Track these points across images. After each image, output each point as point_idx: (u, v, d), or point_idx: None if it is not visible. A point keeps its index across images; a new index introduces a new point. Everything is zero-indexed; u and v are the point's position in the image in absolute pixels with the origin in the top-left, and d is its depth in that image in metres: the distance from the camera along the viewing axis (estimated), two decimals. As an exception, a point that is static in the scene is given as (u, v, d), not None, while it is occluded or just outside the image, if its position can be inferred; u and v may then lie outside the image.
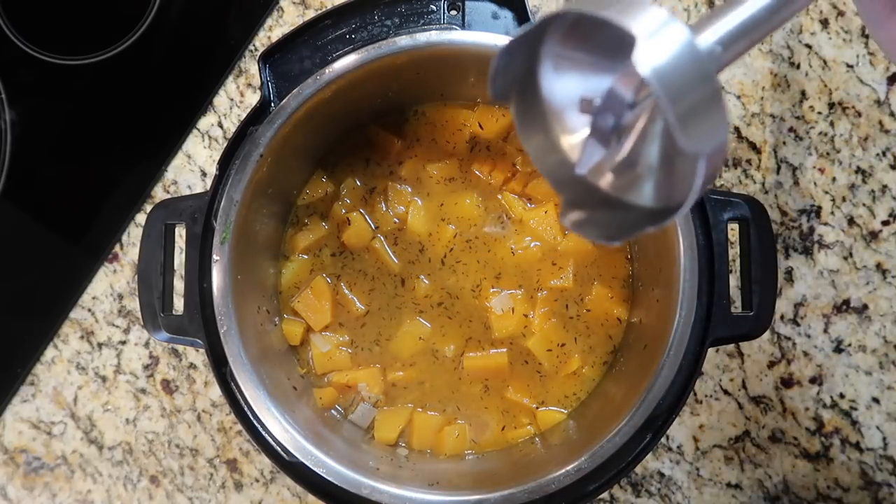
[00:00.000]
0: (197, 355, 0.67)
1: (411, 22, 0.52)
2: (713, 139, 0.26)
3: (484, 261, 0.59)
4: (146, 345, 0.67)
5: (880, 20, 0.33)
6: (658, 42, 0.25)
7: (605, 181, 0.33)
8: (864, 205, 0.65)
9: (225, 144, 0.54)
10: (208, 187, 0.53)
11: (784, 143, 0.66)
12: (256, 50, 0.69)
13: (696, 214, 0.50)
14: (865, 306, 0.64)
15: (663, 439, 0.60)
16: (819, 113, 0.66)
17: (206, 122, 0.69)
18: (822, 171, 0.65)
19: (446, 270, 0.59)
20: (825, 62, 0.66)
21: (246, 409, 0.51)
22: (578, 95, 0.30)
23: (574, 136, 0.33)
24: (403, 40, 0.52)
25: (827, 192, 0.65)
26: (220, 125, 0.69)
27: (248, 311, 0.53)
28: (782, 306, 0.65)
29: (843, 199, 0.65)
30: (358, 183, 0.60)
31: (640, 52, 0.25)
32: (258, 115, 0.52)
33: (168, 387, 0.67)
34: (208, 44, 0.70)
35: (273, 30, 0.69)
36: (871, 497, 0.64)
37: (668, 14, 0.26)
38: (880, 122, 0.65)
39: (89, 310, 0.68)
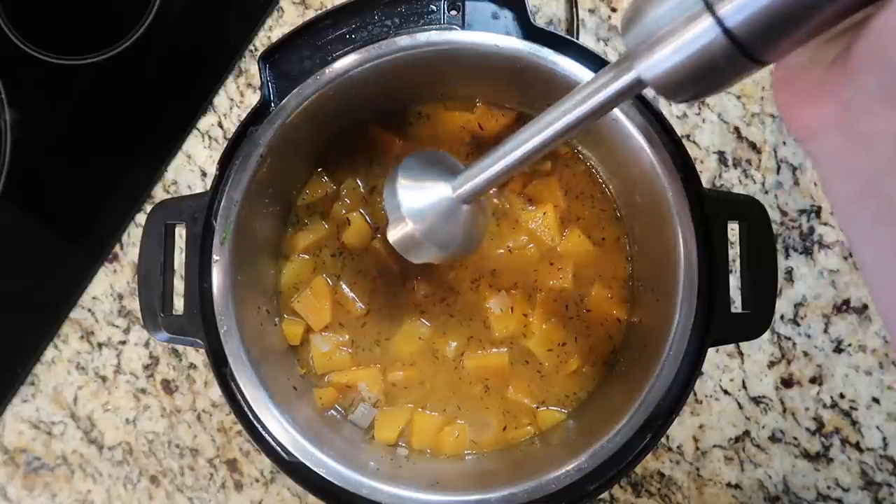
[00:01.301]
0: (197, 355, 0.67)
1: (411, 22, 0.52)
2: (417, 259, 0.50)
3: (484, 261, 0.59)
4: (146, 345, 0.67)
5: (790, 108, 0.32)
6: (392, 226, 0.47)
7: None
8: (864, 205, 0.65)
9: (225, 144, 0.54)
10: (208, 187, 0.53)
11: (784, 143, 0.66)
12: (256, 50, 0.69)
13: (695, 214, 0.50)
14: (865, 306, 0.64)
15: (663, 439, 0.60)
16: (819, 113, 0.66)
17: (206, 122, 0.69)
18: (822, 171, 0.65)
19: (445, 269, 0.59)
20: (825, 62, 0.66)
21: (246, 409, 0.51)
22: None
23: None
24: (403, 40, 0.52)
25: (827, 192, 0.65)
26: (220, 125, 0.69)
27: (248, 311, 0.53)
28: (782, 306, 0.65)
29: (843, 199, 0.65)
30: (358, 183, 0.60)
31: (393, 233, 0.48)
32: (258, 115, 0.52)
33: (168, 387, 0.67)
34: (208, 44, 0.70)
35: (273, 30, 0.69)
36: (871, 497, 0.64)
37: (398, 207, 0.47)
38: (880, 122, 0.65)
39: (89, 310, 0.68)
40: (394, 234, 0.48)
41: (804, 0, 0.26)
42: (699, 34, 0.29)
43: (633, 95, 0.35)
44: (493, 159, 0.44)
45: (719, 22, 0.28)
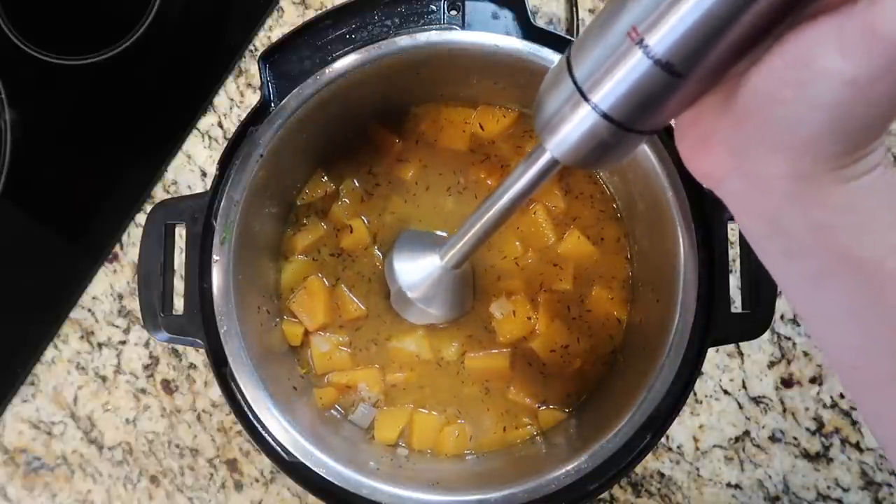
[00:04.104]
0: (197, 355, 0.67)
1: (411, 22, 0.52)
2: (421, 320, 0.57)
3: (484, 261, 0.59)
4: (146, 345, 0.67)
5: (690, 159, 0.34)
6: (393, 295, 0.56)
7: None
8: (864, 205, 0.65)
9: (225, 144, 0.54)
10: (208, 187, 0.53)
11: (784, 143, 0.66)
12: (256, 50, 0.69)
13: (696, 214, 0.50)
14: (865, 306, 0.64)
15: (663, 439, 0.60)
16: (819, 113, 0.66)
17: (206, 122, 0.69)
18: (822, 171, 0.65)
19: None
20: (825, 62, 0.66)
21: (246, 409, 0.51)
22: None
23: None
24: (403, 40, 0.52)
25: (827, 192, 0.65)
26: (220, 125, 0.69)
27: (248, 311, 0.53)
28: (782, 306, 0.65)
29: (843, 199, 0.65)
30: (356, 184, 0.60)
31: (394, 299, 0.56)
32: (258, 115, 0.52)
33: (168, 387, 0.67)
34: (208, 44, 0.70)
35: (273, 30, 0.69)
36: (871, 497, 0.64)
37: (395, 280, 0.54)
38: (880, 122, 0.65)
39: (89, 310, 0.68)
40: (396, 302, 0.56)
41: (663, 84, 0.29)
42: (583, 119, 0.32)
43: (555, 171, 0.39)
44: (465, 230, 0.49)
45: (595, 107, 0.31)
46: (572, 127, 0.32)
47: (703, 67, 0.28)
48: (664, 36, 0.27)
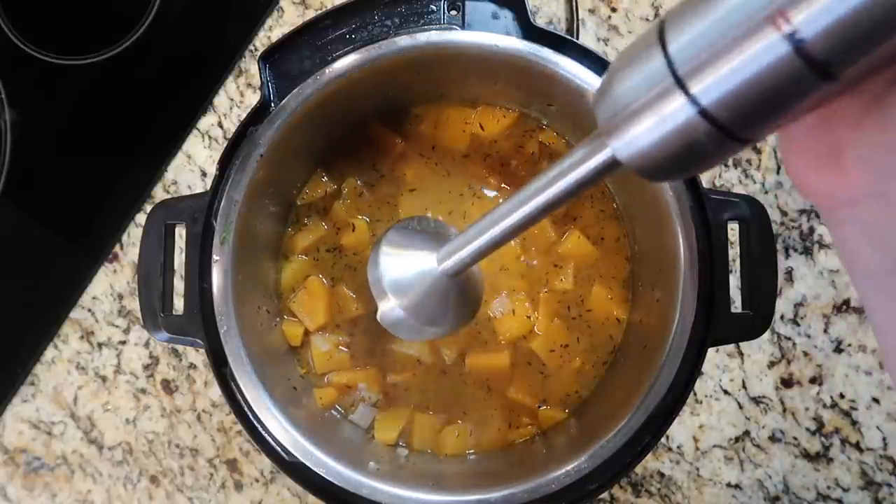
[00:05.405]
0: (197, 355, 0.67)
1: (411, 22, 0.52)
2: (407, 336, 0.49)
3: (485, 262, 0.59)
4: (146, 345, 0.67)
5: (805, 175, 0.27)
6: (379, 303, 0.44)
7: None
8: (864, 205, 0.65)
9: (225, 144, 0.54)
10: (208, 187, 0.53)
11: (784, 143, 0.66)
12: (256, 50, 0.69)
13: (695, 214, 0.50)
14: (865, 306, 0.64)
15: (663, 439, 0.60)
16: (819, 113, 0.66)
17: (206, 122, 0.69)
18: (822, 171, 0.65)
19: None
20: (825, 62, 0.66)
21: (246, 409, 0.51)
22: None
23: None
24: (403, 40, 0.52)
25: (827, 192, 0.65)
26: (220, 125, 0.69)
27: (248, 311, 0.53)
28: (782, 306, 0.65)
29: (843, 199, 0.65)
30: (358, 183, 0.60)
31: (380, 311, 0.44)
32: (258, 115, 0.52)
33: (168, 387, 0.67)
34: (208, 44, 0.70)
35: (273, 30, 0.69)
36: (871, 497, 0.64)
37: (380, 280, 0.43)
38: (880, 122, 0.65)
39: (89, 310, 0.68)
40: (381, 314, 0.44)
41: (801, 83, 0.22)
42: (672, 113, 0.24)
43: (610, 174, 0.31)
44: (475, 233, 0.39)
45: (693, 101, 0.24)
46: (654, 122, 0.25)
47: (861, 66, 0.21)
48: (820, 23, 0.20)
